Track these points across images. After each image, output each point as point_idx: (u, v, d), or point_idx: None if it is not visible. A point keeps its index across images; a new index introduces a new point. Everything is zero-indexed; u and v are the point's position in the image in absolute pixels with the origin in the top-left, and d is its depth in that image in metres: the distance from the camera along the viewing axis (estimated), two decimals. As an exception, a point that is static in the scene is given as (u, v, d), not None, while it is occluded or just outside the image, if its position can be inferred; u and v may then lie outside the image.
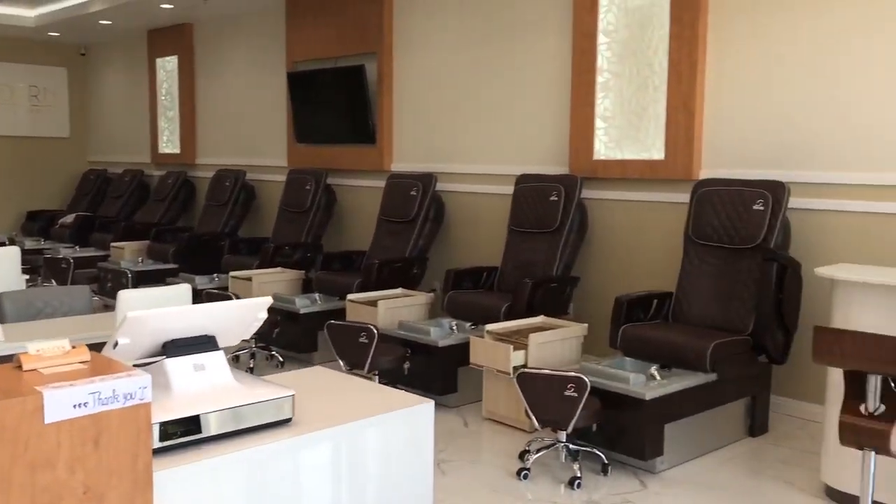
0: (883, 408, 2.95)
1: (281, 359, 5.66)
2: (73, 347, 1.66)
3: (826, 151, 4.40)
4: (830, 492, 3.50)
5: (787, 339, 4.23)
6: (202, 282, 6.57)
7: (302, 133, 7.48)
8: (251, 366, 5.53)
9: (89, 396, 1.51)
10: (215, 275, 6.75)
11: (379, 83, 6.80)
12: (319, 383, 2.35)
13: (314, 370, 2.52)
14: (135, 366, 1.87)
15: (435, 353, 4.64)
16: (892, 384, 2.93)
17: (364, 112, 6.83)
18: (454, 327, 4.91)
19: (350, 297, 5.38)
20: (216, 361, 1.94)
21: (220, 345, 1.99)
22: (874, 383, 2.95)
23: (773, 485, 3.67)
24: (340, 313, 5.64)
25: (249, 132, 8.36)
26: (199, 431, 1.79)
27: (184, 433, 1.77)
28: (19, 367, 1.59)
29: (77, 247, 8.67)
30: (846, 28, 4.29)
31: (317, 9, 7.30)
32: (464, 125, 6.28)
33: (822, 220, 4.43)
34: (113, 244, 8.01)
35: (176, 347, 1.89)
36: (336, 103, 7.06)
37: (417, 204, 6.14)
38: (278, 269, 6.49)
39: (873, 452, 2.98)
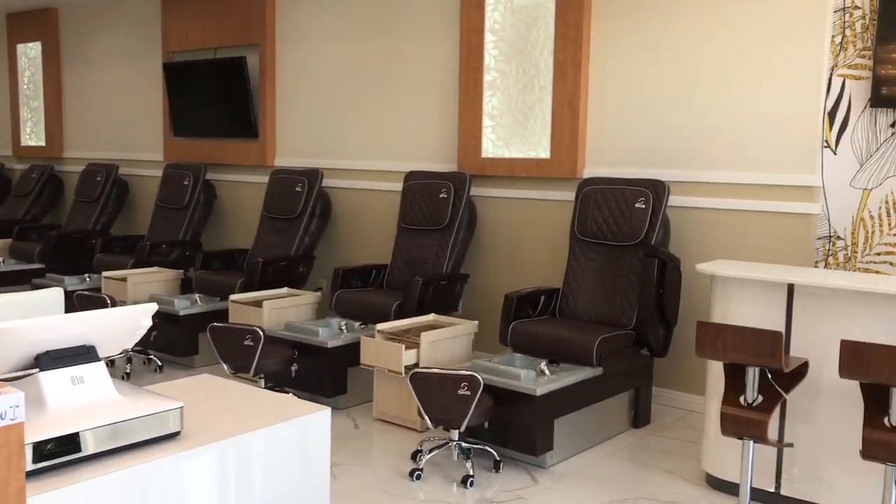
0: (761, 398, 3.09)
1: (160, 363, 5.41)
2: (-68, 364, 1.49)
3: (702, 151, 4.58)
4: (711, 480, 3.65)
5: (667, 333, 4.39)
6: (72, 283, 6.19)
7: (179, 126, 7.18)
8: (128, 371, 5.26)
9: (-48, 419, 1.36)
10: (87, 275, 6.37)
11: (261, 76, 6.60)
12: (208, 392, 2.23)
13: (202, 378, 2.39)
14: (2, 380, 1.71)
15: (324, 354, 4.54)
16: (769, 376, 3.08)
17: (245, 105, 6.61)
18: (343, 327, 4.82)
19: (233, 297, 5.20)
20: (96, 373, 1.80)
21: (101, 355, 1.85)
22: (752, 375, 3.09)
23: (656, 475, 3.79)
24: (223, 314, 5.44)
25: (122, 125, 7.95)
26: (79, 450, 1.65)
27: (61, 453, 1.63)
28: None
29: (-72, 246, 8.00)
30: (721, 31, 4.47)
31: (195, -3, 7.02)
32: (351, 120, 6.18)
33: (700, 217, 4.61)
34: (-31, 243, 7.44)
35: (51, 360, 1.74)
36: (216, 96, 6.81)
37: (303, 200, 6.00)
38: (155, 268, 6.21)
39: (752, 441, 3.12)
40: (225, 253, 6.16)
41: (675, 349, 4.71)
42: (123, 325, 1.86)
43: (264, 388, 4.45)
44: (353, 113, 6.16)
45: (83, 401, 1.74)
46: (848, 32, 4.14)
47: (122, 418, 1.73)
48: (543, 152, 5.15)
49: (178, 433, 1.84)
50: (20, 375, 1.74)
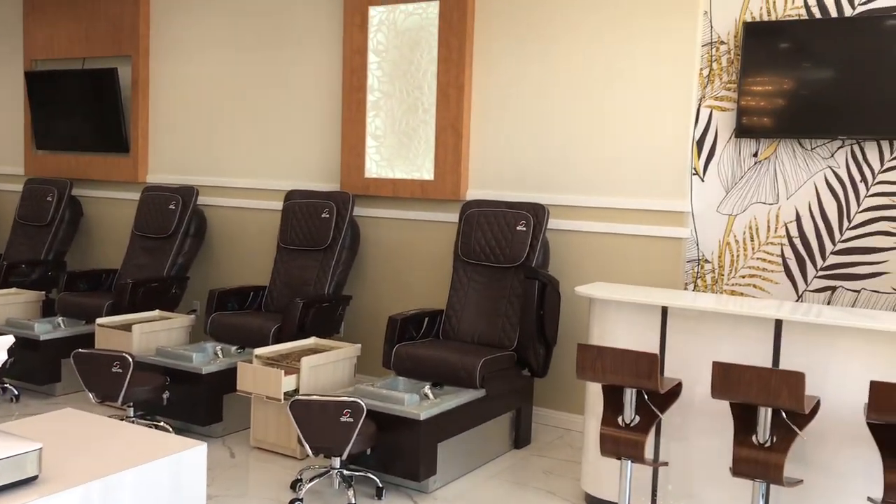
0: (638, 419, 3.17)
1: (16, 392, 5.03)
2: None
3: (580, 176, 4.71)
4: (590, 500, 3.71)
5: (547, 353, 4.46)
6: (-84, 306, 5.69)
7: (43, 139, 6.76)
8: (-21, 402, 4.87)
9: None
10: (-66, 297, 5.87)
11: (134, 88, 6.32)
12: (71, 428, 2.08)
13: (64, 413, 2.22)
14: None
15: (198, 380, 4.35)
16: (646, 397, 3.17)
17: (116, 119, 6.31)
18: (219, 352, 4.64)
19: (100, 321, 4.91)
20: (-59, 414, 1.63)
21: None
22: (630, 396, 3.17)
23: (536, 496, 3.83)
24: (88, 339, 5.13)
25: (-23, 135, 7.41)
26: (-82, 502, 1.49)
27: None
28: None
29: None
30: (598, 61, 4.62)
31: (62, 4, 6.65)
32: (229, 136, 6.00)
33: (578, 240, 4.73)
34: None
35: None
36: (84, 108, 6.46)
37: (177, 218, 5.76)
38: (13, 289, 5.79)
39: (629, 461, 3.19)
40: (91, 273, 5.83)
41: (554, 369, 4.79)
42: (-26, 360, 1.70)
43: (133, 417, 4.23)
44: (232, 129, 5.98)
45: (-75, 445, 1.58)
46: (714, 66, 4.36)
47: (-30, 464, 1.57)
48: (427, 174, 5.16)
49: (35, 477, 1.69)
50: None
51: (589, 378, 3.14)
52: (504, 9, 4.88)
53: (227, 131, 6.00)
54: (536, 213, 4.53)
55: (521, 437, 4.44)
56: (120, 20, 6.34)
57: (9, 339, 1.74)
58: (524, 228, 4.51)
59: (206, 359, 4.52)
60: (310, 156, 5.64)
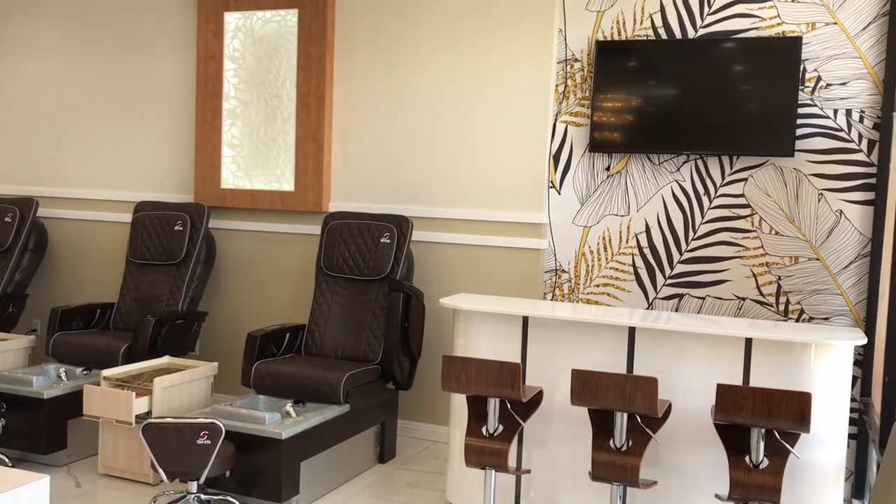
0: (501, 428, 3.21)
1: None
2: None
3: (442, 188, 4.74)
4: (456, 510, 3.73)
5: (412, 366, 4.45)
6: None
7: None
8: None
9: None
10: None
11: (-37, 91, 5.83)
12: None
13: None
14: None
15: (39, 406, 4.04)
16: (509, 406, 3.21)
17: (-58, 124, 5.80)
18: (62, 374, 4.33)
19: (-76, 344, 4.48)
20: None
21: None
22: (493, 406, 3.21)
23: (404, 509, 3.81)
24: (-90, 364, 4.67)
25: None
26: None
27: None
28: None
29: None
30: (459, 74, 4.68)
31: None
32: (73, 145, 5.64)
33: (441, 251, 4.76)
34: None
35: None
36: None
37: (14, 232, 5.35)
38: None
39: (494, 470, 3.23)
40: (-87, 292, 5.31)
41: (419, 382, 4.79)
42: None
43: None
44: (77, 137, 5.63)
45: None
46: (570, 82, 4.51)
47: None
48: (287, 184, 5.04)
49: None
50: None
51: (454, 389, 3.15)
52: (365, 20, 4.86)
53: (71, 139, 5.64)
54: (400, 225, 4.52)
55: (385, 451, 4.40)
56: (-54, 17, 5.84)
57: None
58: (388, 241, 4.49)
59: (48, 382, 4.21)
60: (161, 165, 5.39)
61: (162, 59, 5.36)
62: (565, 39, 4.51)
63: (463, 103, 4.68)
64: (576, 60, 4.50)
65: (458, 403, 3.63)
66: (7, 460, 4.00)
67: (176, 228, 5.01)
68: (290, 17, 4.98)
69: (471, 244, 4.68)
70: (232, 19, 5.11)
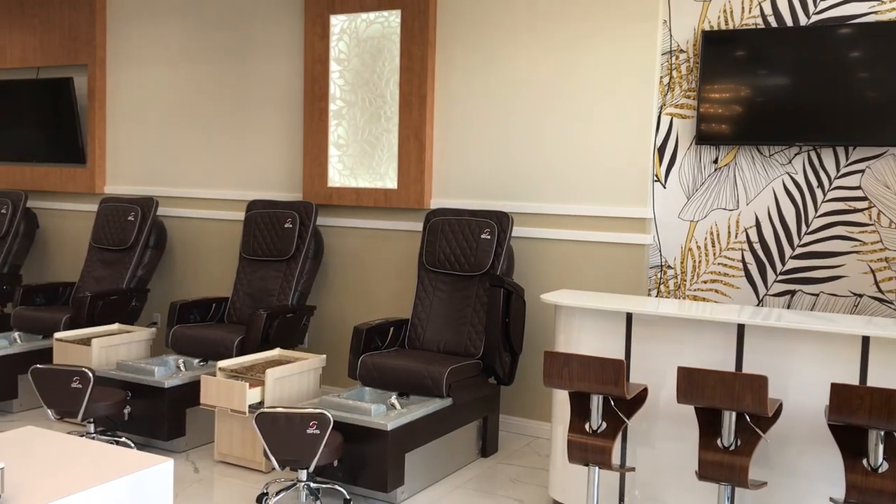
0: (604, 425, 3.19)
1: (-29, 410, 4.90)
2: None
3: (543, 184, 4.73)
4: (558, 505, 3.73)
5: (513, 361, 4.47)
6: None
7: (-5, 150, 6.62)
8: (-69, 421, 4.73)
9: None
10: None
11: (90, 98, 6.21)
12: (32, 447, 2.02)
13: (24, 430, 2.17)
14: None
15: (160, 394, 4.28)
16: (612, 403, 3.19)
17: (72, 129, 6.20)
18: (181, 365, 4.57)
19: (58, 335, 4.81)
20: None
21: None
22: (597, 403, 3.19)
23: None
24: (46, 354, 5.03)
25: (-73, 146, 7.22)
26: None
27: None
28: None
29: None
30: (560, 69, 4.66)
31: (14, 12, 6.52)
32: (190, 146, 5.93)
33: (542, 247, 4.75)
34: None
35: None
36: (38, 119, 6.33)
37: (136, 230, 5.67)
38: (-34, 305, 5.65)
39: (597, 468, 3.21)
40: (48, 287, 5.70)
41: (520, 377, 4.80)
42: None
43: (94, 433, 4.15)
44: (192, 139, 5.91)
45: None
46: (675, 74, 4.42)
47: (-73, 487, 1.52)
48: (390, 182, 5.15)
49: (-4, 498, 1.65)
50: None
51: (556, 385, 3.15)
52: (466, 18, 4.90)
53: (187, 141, 5.93)
54: (500, 221, 4.54)
55: (488, 446, 4.43)
56: (76, 29, 6.23)
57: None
58: (488, 236, 4.52)
59: (169, 372, 4.45)
60: (272, 165, 5.60)
61: (271, 62, 5.56)
62: (670, 30, 4.42)
63: (564, 97, 4.65)
64: (681, 51, 4.40)
65: (561, 399, 3.63)
66: (132, 445, 4.25)
67: (286, 226, 5.19)
68: (392, 18, 5.07)
69: (572, 240, 4.66)
70: (337, 22, 5.25)
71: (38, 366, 4.00)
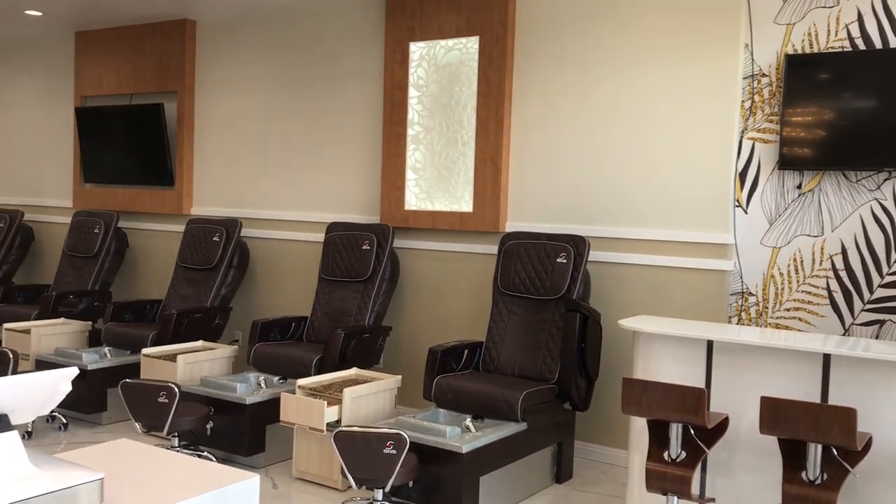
0: (684, 454, 3.14)
1: (64, 420, 5.12)
2: None
3: (620, 208, 4.71)
4: (635, 535, 3.67)
5: (589, 387, 4.43)
6: (-32, 335, 5.84)
7: (91, 173, 6.94)
8: (29, 430, 4.96)
9: None
10: (-16, 327, 6.02)
11: (179, 123, 6.48)
12: (127, 459, 2.12)
13: (120, 444, 2.27)
14: None
15: (241, 410, 4.39)
16: (692, 432, 3.13)
17: (161, 153, 6.46)
18: (262, 382, 4.68)
19: (145, 351, 5.00)
20: (9, 444, 1.67)
21: (14, 422, 1.73)
22: (676, 431, 3.14)
23: (581, 530, 3.79)
24: (133, 369, 5.22)
25: (29, 170, 7.64)
26: (-12, 530, 1.53)
27: (-32, 533, 1.50)
28: None
29: None
30: (639, 92, 4.64)
31: (110, 42, 6.86)
32: (271, 170, 6.11)
33: (618, 272, 4.72)
34: None
35: (-42, 430, 1.62)
36: (130, 143, 6.63)
37: (220, 250, 5.86)
38: (61, 320, 5.92)
39: (676, 497, 3.16)
40: (136, 304, 5.94)
41: (596, 403, 4.76)
42: (40, 391, 1.75)
43: (178, 447, 4.28)
44: (275, 162, 6.09)
45: (-7, 474, 1.62)
46: (756, 98, 4.36)
47: (36, 493, 1.61)
48: (466, 206, 5.20)
49: (97, 507, 1.73)
50: (-77, 448, 1.61)
51: (634, 412, 3.12)
52: (544, 42, 4.93)
53: (270, 164, 6.11)
54: (577, 245, 4.53)
55: (562, 472, 4.40)
56: (167, 58, 6.51)
57: (72, 371, 1.79)
58: (564, 260, 4.52)
59: (250, 389, 4.57)
60: (351, 188, 5.72)
61: (352, 89, 5.70)
62: (752, 54, 4.36)
63: (643, 122, 4.63)
64: (763, 75, 4.34)
65: (638, 427, 3.58)
66: (214, 459, 4.37)
67: (363, 248, 5.29)
68: (471, 45, 5.15)
69: (650, 265, 4.61)
70: (416, 49, 5.36)
71: (128, 380, 4.17)
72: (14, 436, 1.70)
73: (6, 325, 5.58)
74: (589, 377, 4.40)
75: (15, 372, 4.39)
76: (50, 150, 7.44)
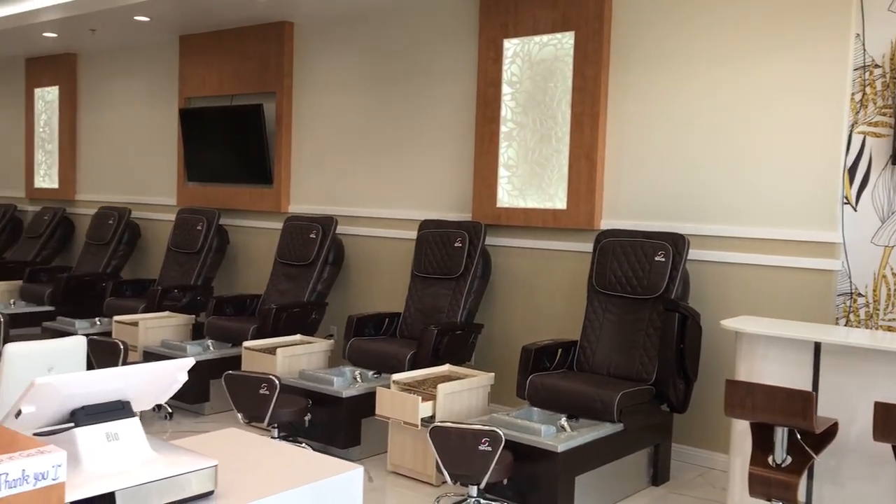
0: (790, 459, 3.03)
1: (170, 410, 5.34)
2: (-29, 420, 1.46)
3: (721, 205, 4.58)
4: (736, 541, 3.57)
5: (687, 388, 4.33)
6: (83, 326, 6.15)
7: (193, 171, 7.21)
8: (137, 418, 5.18)
9: (-6, 479, 1.32)
10: (97, 319, 6.33)
11: (277, 123, 6.65)
12: (236, 447, 2.19)
13: (228, 432, 2.35)
14: (35, 435, 1.67)
15: (338, 404, 4.48)
16: (798, 436, 3.02)
17: (261, 152, 6.65)
18: (358, 376, 4.77)
19: (246, 344, 5.16)
20: (131, 430, 1.76)
21: (134, 409, 1.81)
22: (781, 436, 3.04)
23: (679, 534, 3.71)
24: (234, 361, 5.40)
25: (136, 169, 7.99)
26: (114, 510, 1.61)
27: (96, 513, 1.58)
28: None
29: (-63, 286, 7.98)
30: (742, 85, 4.50)
31: (212, 45, 7.10)
32: (366, 168, 6.20)
33: (719, 271, 4.59)
34: (-21, 284, 7.42)
35: (86, 415, 1.70)
36: (231, 142, 6.85)
37: (317, 247, 5.99)
38: (166, 313, 6.17)
39: (780, 503, 3.05)
40: (237, 298, 6.13)
41: (694, 405, 4.65)
42: (159, 380, 1.83)
43: (277, 437, 4.41)
44: (368, 161, 6.18)
45: (118, 458, 1.70)
46: (868, 90, 4.16)
47: (157, 477, 1.69)
48: (560, 203, 5.15)
49: (212, 492, 1.80)
50: (55, 430, 1.70)
51: (737, 415, 3.03)
52: (641, 37, 4.84)
53: (364, 163, 6.21)
54: (676, 243, 4.43)
55: (659, 474, 4.32)
56: (266, 59, 6.70)
57: (188, 362, 1.87)
58: (663, 259, 4.42)
59: (346, 383, 4.66)
60: (443, 186, 5.76)
61: (444, 86, 5.73)
62: (863, 45, 4.17)
63: (744, 116, 4.49)
64: (876, 66, 4.14)
65: (740, 430, 3.48)
66: (311, 451, 4.47)
67: (455, 245, 5.32)
68: (566, 40, 5.10)
69: (751, 263, 4.47)
70: (510, 45, 5.34)
71: (231, 372, 4.31)
72: (136, 422, 1.79)
73: (116, 318, 5.86)
74: (687, 378, 4.30)
75: (125, 362, 4.61)
76: (156, 149, 7.76)
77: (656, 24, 4.78)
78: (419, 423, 4.10)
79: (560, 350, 4.53)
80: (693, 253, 4.62)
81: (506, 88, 5.38)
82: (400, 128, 6.00)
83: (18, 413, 1.61)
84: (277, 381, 4.16)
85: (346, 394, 4.47)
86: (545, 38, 5.19)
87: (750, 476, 3.06)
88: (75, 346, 2.78)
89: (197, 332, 6.10)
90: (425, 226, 5.54)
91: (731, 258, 4.53)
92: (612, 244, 4.63)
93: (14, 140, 9.41)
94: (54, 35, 7.59)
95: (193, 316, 6.19)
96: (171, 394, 1.90)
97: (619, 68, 4.94)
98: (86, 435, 1.68)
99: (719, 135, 4.58)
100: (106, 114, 8.28)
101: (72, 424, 1.70)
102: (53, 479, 1.40)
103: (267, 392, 4.17)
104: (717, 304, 4.59)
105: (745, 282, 4.50)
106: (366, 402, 4.54)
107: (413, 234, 5.85)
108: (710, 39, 4.59)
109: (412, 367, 4.80)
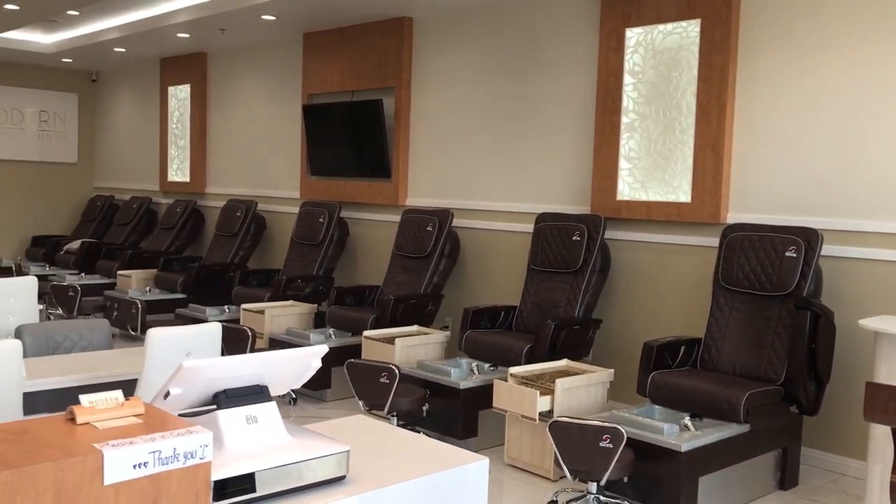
0: (938, 469, 2.83)
1: (293, 396, 5.53)
2: (127, 399, 1.55)
3: (859, 198, 4.33)
4: (874, 553, 3.38)
5: (819, 390, 4.13)
6: (213, 314, 6.45)
7: (316, 166, 7.42)
8: (263, 402, 5.39)
9: (149, 456, 1.40)
10: (226, 306, 6.63)
11: (396, 118, 6.75)
12: (364, 434, 2.24)
13: (356, 419, 2.41)
14: (181, 415, 1.76)
15: (456, 395, 4.52)
16: (948, 445, 2.82)
17: (380, 147, 6.77)
18: (475, 368, 4.79)
19: (366, 333, 5.27)
20: (269, 413, 1.83)
21: (272, 394, 1.88)
22: (929, 443, 2.85)
23: (809, 543, 3.55)
24: (354, 349, 5.52)
25: (262, 163, 8.30)
26: (254, 490, 1.68)
27: (238, 492, 1.65)
28: (72, 419, 1.48)
29: (83, 274, 8.55)
30: (882, 69, 4.24)
31: (334, 42, 7.28)
32: (482, 161, 6.22)
33: (855, 268, 4.35)
34: (119, 272, 7.90)
35: (228, 398, 1.78)
36: (351, 137, 7.00)
37: (433, 240, 6.06)
38: (290, 302, 6.39)
39: (927, 516, 2.86)
40: (356, 289, 6.27)
41: (826, 407, 4.42)
42: (295, 365, 1.89)
43: (396, 426, 4.49)
44: (485, 154, 6.19)
45: (256, 440, 1.77)
46: None
47: (294, 460, 1.75)
48: (684, 196, 5.01)
49: (343, 477, 1.85)
50: (199, 412, 1.79)
51: (879, 420, 2.86)
52: (772, 24, 4.63)
53: (480, 155, 6.22)
54: (808, 239, 4.23)
55: (787, 478, 4.14)
56: (386, 55, 6.81)
57: (322, 349, 1.92)
58: (794, 254, 4.23)
59: (463, 374, 4.69)
60: (560, 179, 5.70)
61: (563, 77, 5.66)
62: None
63: (884, 102, 4.22)
64: None
65: (880, 436, 3.29)
66: (429, 441, 4.54)
67: (574, 238, 5.26)
68: (691, 28, 4.94)
69: (890, 260, 4.20)
70: (633, 35, 5.22)
71: (354, 360, 4.41)
72: (273, 406, 1.85)
73: (244, 306, 6.11)
74: (819, 380, 4.10)
75: (253, 349, 4.80)
76: (280, 144, 8.04)
77: (787, 9, 4.56)
78: (537, 417, 4.08)
79: (683, 347, 4.41)
80: (826, 248, 4.39)
81: (627, 79, 5.26)
82: (516, 121, 5.97)
83: (167, 394, 1.70)
84: (397, 371, 4.23)
85: (463, 385, 4.50)
86: (669, 26, 5.05)
87: (892, 485, 2.88)
88: (211, 332, 2.91)
89: (319, 321, 6.28)
90: (542, 219, 5.50)
91: (867, 254, 4.28)
92: (740, 238, 4.46)
93: (149, 136, 9.95)
94: (187, 35, 7.97)
95: (315, 305, 6.38)
96: (305, 380, 1.96)
97: (747, 56, 4.74)
98: (228, 417, 1.76)
99: (855, 124, 4.34)
100: (233, 110, 8.63)
101: (214, 406, 1.79)
102: (201, 459, 1.47)
103: (387, 381, 4.25)
104: (850, 302, 4.35)
105: (884, 279, 4.24)
106: (482, 394, 4.55)
107: (529, 228, 5.82)
108: (844, 25, 4.34)
109: (528, 361, 4.78)
